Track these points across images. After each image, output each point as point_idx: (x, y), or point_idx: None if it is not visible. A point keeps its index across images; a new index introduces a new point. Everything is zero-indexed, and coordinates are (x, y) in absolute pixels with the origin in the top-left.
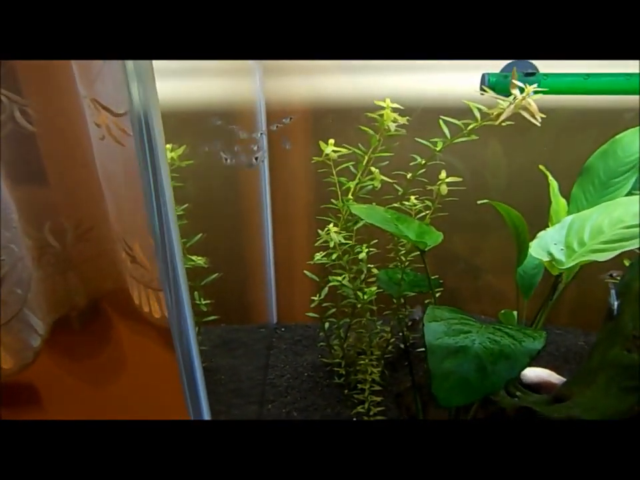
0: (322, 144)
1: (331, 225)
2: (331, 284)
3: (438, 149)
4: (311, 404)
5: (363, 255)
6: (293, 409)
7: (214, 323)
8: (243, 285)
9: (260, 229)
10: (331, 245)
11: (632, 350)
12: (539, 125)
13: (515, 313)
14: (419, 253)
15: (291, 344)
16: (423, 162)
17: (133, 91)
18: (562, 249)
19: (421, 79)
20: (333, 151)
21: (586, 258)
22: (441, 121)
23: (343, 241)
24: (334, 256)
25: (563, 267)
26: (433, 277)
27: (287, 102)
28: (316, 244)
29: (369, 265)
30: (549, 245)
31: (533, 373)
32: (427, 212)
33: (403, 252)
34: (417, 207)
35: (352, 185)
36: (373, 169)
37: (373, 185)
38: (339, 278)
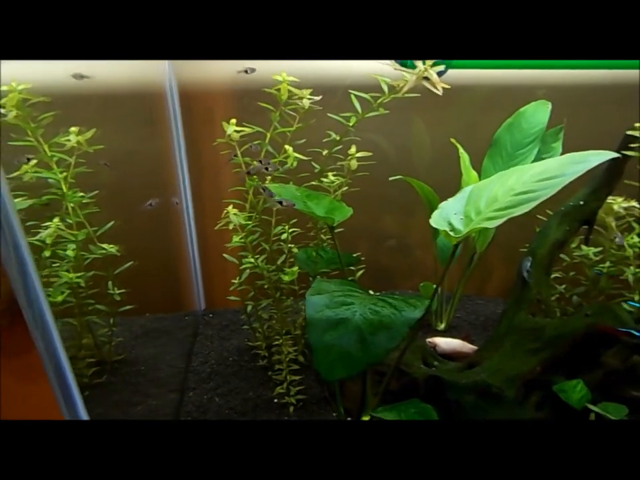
0: (224, 124)
1: (230, 206)
2: (243, 266)
3: (351, 124)
4: (234, 388)
5: (285, 236)
6: (215, 394)
7: (137, 312)
8: (166, 272)
9: (180, 214)
10: (230, 227)
11: (536, 313)
12: (439, 94)
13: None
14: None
15: (218, 329)
16: (338, 138)
17: None
18: (461, 218)
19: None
20: (235, 131)
21: (479, 226)
22: (352, 96)
23: (243, 222)
24: (237, 238)
25: (459, 236)
26: (356, 254)
27: (204, 82)
28: (215, 227)
29: (290, 245)
30: (449, 215)
31: (447, 345)
32: (345, 188)
33: (324, 230)
34: (335, 183)
35: (256, 164)
36: (287, 147)
37: (287, 163)
38: (252, 260)
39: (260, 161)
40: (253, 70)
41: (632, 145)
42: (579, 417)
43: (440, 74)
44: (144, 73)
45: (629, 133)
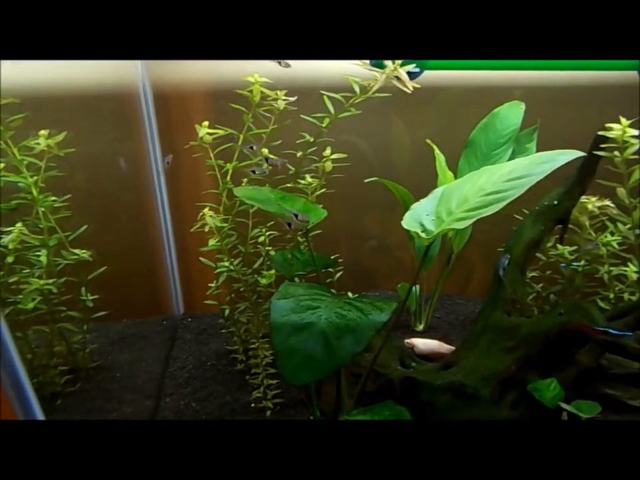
0: (197, 126)
1: (206, 209)
2: (218, 270)
3: (324, 125)
4: (211, 393)
5: (262, 238)
6: (191, 399)
7: (115, 318)
8: (143, 276)
9: (156, 218)
10: (206, 229)
11: (511, 312)
12: (410, 92)
13: (417, 286)
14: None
15: (196, 333)
16: (312, 140)
17: None
18: (433, 219)
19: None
20: (208, 133)
21: (450, 227)
22: (325, 98)
23: (219, 224)
24: (212, 241)
25: (430, 237)
26: (334, 256)
27: (181, 83)
28: (191, 230)
29: (268, 248)
30: (421, 216)
31: (425, 345)
32: (323, 190)
33: (301, 232)
34: (312, 185)
35: (230, 167)
36: (263, 149)
37: (262, 165)
38: (226, 263)
39: (266, 159)
40: (288, 65)
41: (602, 145)
42: (553, 416)
43: (415, 75)
44: (116, 73)
45: (600, 133)
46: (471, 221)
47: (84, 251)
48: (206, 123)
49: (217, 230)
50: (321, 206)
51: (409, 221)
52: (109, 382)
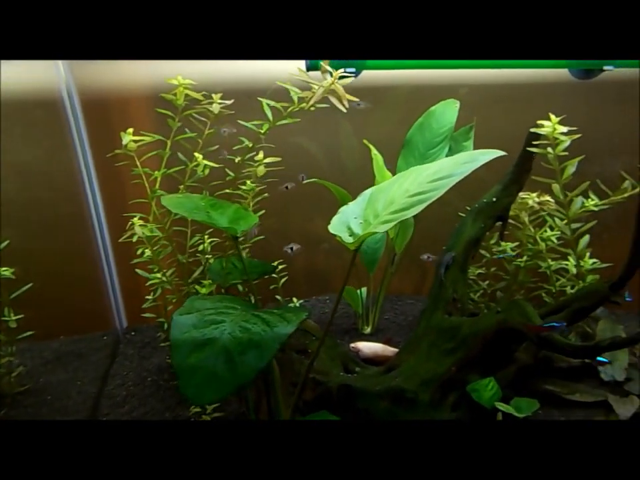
0: (122, 134)
1: (136, 218)
2: (151, 282)
3: (263, 131)
4: (150, 410)
5: (203, 246)
6: (129, 419)
7: (51, 336)
8: (79, 291)
9: (90, 229)
10: (134, 239)
11: (452, 313)
12: (344, 111)
13: (365, 288)
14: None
15: (139, 348)
16: (250, 145)
17: None
18: (360, 223)
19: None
20: (133, 141)
21: (374, 230)
22: (264, 104)
23: (149, 234)
24: (148, 251)
25: (355, 242)
26: (275, 262)
27: (118, 87)
28: (119, 240)
29: (208, 256)
30: (349, 220)
31: (369, 349)
32: (266, 194)
33: (241, 239)
34: (253, 190)
35: (158, 174)
36: (196, 154)
37: (198, 172)
38: (159, 275)
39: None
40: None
41: (534, 143)
42: (490, 416)
43: (353, 75)
44: (32, 77)
45: (532, 130)
46: (393, 224)
47: (5, 268)
48: (130, 130)
49: (147, 240)
50: (263, 211)
51: (336, 225)
52: (38, 406)
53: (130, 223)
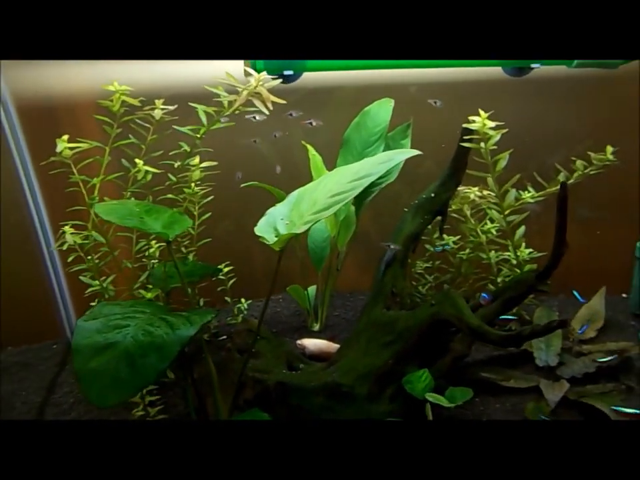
0: (57, 140)
1: (67, 226)
2: (91, 289)
3: (199, 135)
4: (96, 417)
5: (150, 251)
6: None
7: None
8: (27, 300)
9: (33, 237)
10: (65, 247)
11: (391, 307)
12: (267, 114)
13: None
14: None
15: None
16: (189, 150)
17: None
18: (286, 224)
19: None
20: (69, 148)
21: (295, 230)
22: (200, 109)
23: (80, 241)
24: (72, 258)
25: (277, 243)
26: (224, 263)
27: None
28: (51, 248)
29: (154, 261)
30: (276, 221)
31: (314, 346)
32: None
33: (187, 242)
34: (198, 193)
35: (97, 181)
36: (137, 160)
37: (140, 177)
38: (96, 282)
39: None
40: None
41: (466, 137)
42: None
43: (292, 78)
44: None
45: (465, 126)
46: (312, 224)
47: None
48: (65, 137)
49: (79, 247)
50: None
51: (262, 227)
52: None
53: (60, 231)
